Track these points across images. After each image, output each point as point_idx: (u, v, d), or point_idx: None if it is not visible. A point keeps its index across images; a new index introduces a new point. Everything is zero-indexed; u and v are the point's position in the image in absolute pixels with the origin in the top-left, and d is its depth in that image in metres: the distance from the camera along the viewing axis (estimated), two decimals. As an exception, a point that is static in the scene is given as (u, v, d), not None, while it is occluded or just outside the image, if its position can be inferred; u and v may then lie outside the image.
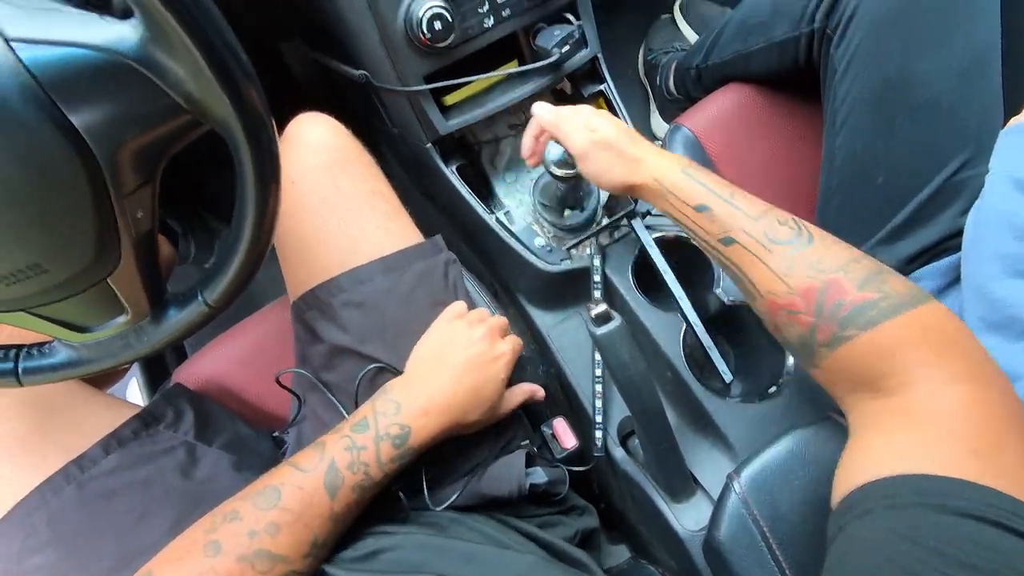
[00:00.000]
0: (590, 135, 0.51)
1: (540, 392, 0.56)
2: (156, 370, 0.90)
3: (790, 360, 0.52)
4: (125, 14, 0.32)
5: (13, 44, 0.29)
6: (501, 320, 0.55)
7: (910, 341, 0.35)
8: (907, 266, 0.57)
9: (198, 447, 0.58)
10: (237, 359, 0.71)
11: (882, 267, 0.39)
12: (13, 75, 0.29)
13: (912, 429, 0.34)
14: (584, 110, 0.53)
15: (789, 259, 0.41)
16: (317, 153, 0.52)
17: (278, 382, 0.58)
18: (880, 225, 0.58)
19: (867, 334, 0.36)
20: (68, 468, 0.53)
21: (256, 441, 0.62)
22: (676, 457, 0.48)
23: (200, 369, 0.70)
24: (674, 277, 0.56)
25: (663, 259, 0.56)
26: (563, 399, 0.66)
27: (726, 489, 0.43)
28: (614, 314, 0.44)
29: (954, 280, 0.55)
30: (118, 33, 0.30)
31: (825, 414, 0.45)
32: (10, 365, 0.43)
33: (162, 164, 0.37)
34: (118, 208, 0.36)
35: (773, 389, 0.52)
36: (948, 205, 0.55)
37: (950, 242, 0.55)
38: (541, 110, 0.54)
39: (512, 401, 0.54)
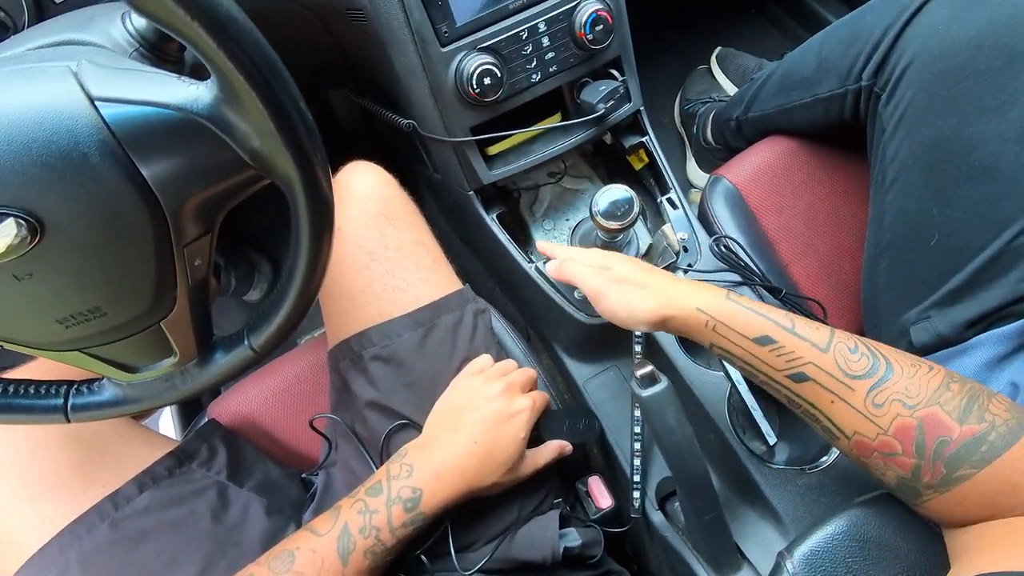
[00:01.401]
0: (603, 273, 0.47)
1: (568, 448, 0.54)
2: (189, 402, 0.91)
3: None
4: (199, 74, 0.34)
5: (97, 103, 0.31)
6: (523, 374, 0.53)
7: None
8: (966, 331, 0.54)
9: (230, 488, 0.58)
10: (270, 397, 0.72)
11: (973, 387, 0.37)
12: (95, 131, 0.31)
13: None
14: (593, 253, 0.50)
15: (874, 395, 0.37)
16: (366, 203, 0.54)
17: (311, 426, 0.58)
18: (934, 287, 0.56)
19: (983, 472, 0.34)
20: (103, 505, 0.53)
21: (286, 483, 0.62)
22: (722, 528, 0.46)
23: (233, 405, 0.71)
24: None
25: None
26: (599, 455, 0.64)
27: (777, 569, 0.41)
28: (660, 376, 0.43)
29: (1018, 347, 0.52)
30: (193, 94, 0.32)
31: (882, 491, 0.43)
32: (60, 401, 0.44)
33: (221, 215, 0.38)
34: (178, 257, 0.37)
35: (824, 459, 0.49)
36: (1010, 269, 0.52)
37: (1013, 308, 0.53)
38: (549, 265, 0.52)
39: (537, 461, 0.52)
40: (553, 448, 0.53)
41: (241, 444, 0.65)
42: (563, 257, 0.51)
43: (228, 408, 0.70)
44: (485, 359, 0.54)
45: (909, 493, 0.38)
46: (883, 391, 0.37)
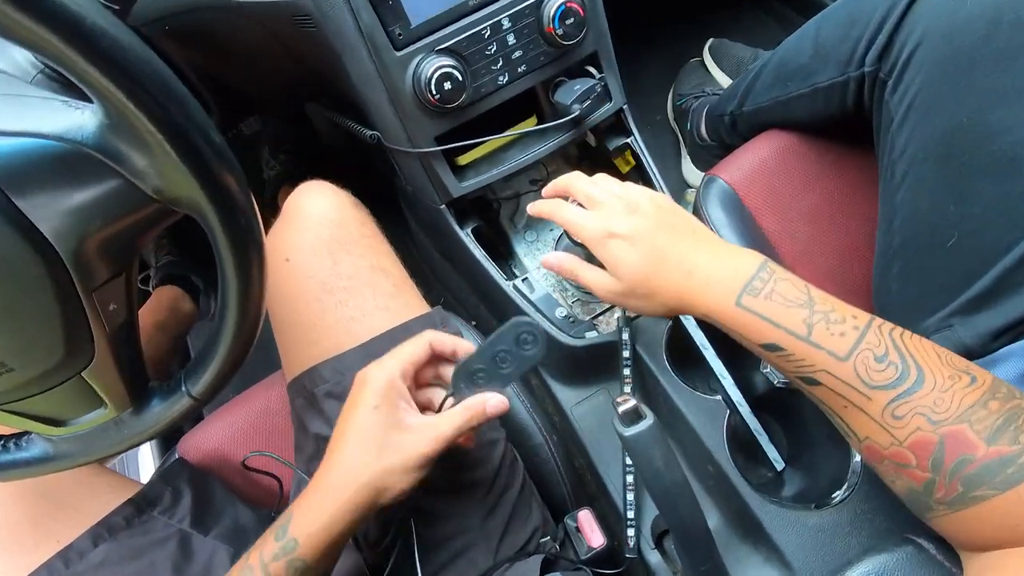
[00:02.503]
0: (614, 287, 0.43)
1: (491, 407, 0.39)
2: (167, 436, 0.87)
3: (856, 458, 0.44)
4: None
5: (-36, 137, 0.27)
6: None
7: None
8: (992, 342, 0.48)
9: (193, 536, 0.54)
10: (243, 430, 0.68)
11: (1018, 405, 0.32)
12: (-37, 171, 0.27)
13: None
14: (599, 239, 0.43)
15: (894, 407, 0.34)
16: (317, 228, 0.49)
17: (244, 465, 0.54)
18: (955, 293, 0.50)
19: (1006, 495, 0.30)
20: (53, 563, 0.49)
21: (256, 527, 0.58)
22: (722, 578, 0.41)
23: (204, 439, 0.67)
24: (715, 355, 0.49)
25: (703, 335, 0.50)
26: (591, 482, 0.59)
27: (786, 629, 0.35)
28: (645, 411, 0.38)
29: (1053, 358, 0.47)
30: (76, 120, 0.27)
31: (904, 535, 0.37)
32: (-17, 461, 0.40)
33: (136, 255, 0.34)
34: (87, 303, 0.33)
35: (836, 493, 0.44)
36: (1040, 272, 0.47)
37: (1045, 314, 0.47)
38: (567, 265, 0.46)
39: (439, 433, 0.38)
40: (460, 413, 0.39)
41: (210, 485, 0.61)
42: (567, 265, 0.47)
43: (198, 444, 0.66)
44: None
45: (919, 506, 0.35)
46: (906, 403, 0.34)
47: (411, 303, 0.51)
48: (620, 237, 0.42)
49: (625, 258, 0.41)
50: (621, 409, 0.38)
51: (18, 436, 0.42)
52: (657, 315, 0.43)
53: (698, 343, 0.50)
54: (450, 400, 0.41)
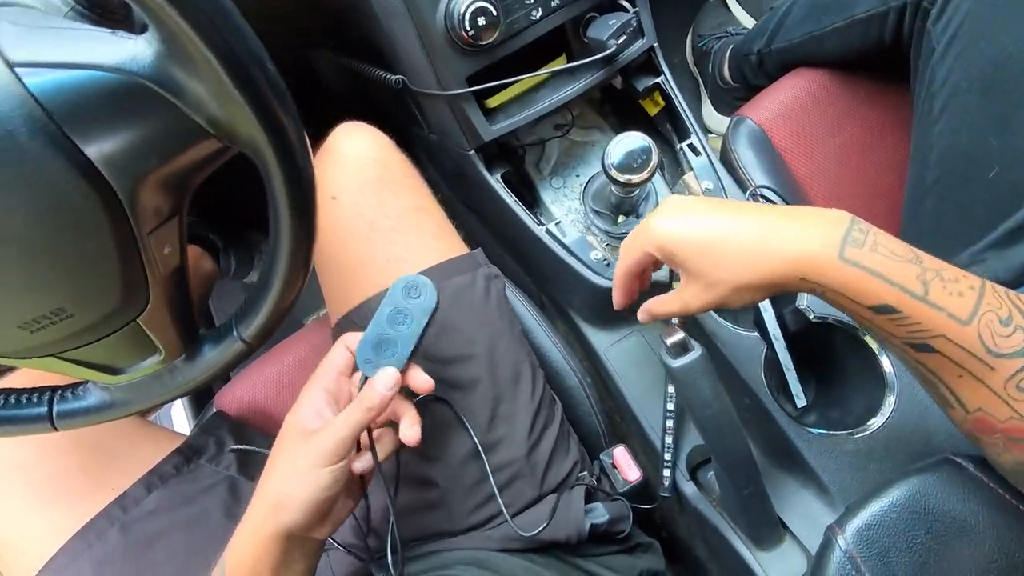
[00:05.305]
0: (685, 288, 0.37)
1: (387, 380, 0.38)
2: (200, 391, 0.89)
3: (890, 389, 0.45)
4: (141, 28, 0.29)
5: (18, 70, 0.26)
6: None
7: None
8: (1027, 274, 0.49)
9: (240, 482, 0.56)
10: (277, 382, 0.69)
11: None
12: (19, 105, 0.26)
13: None
14: (640, 240, 0.39)
15: (1020, 378, 0.30)
16: (361, 168, 0.48)
17: None
18: (991, 226, 0.50)
19: None
20: (111, 509, 0.51)
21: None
22: (763, 502, 0.43)
23: (240, 393, 0.68)
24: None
25: None
26: (621, 422, 0.60)
27: (828, 545, 0.37)
28: (693, 343, 0.38)
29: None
30: (131, 51, 0.27)
31: (943, 455, 0.39)
32: (44, 410, 0.41)
33: (188, 195, 0.34)
34: (143, 246, 0.32)
35: (873, 420, 0.45)
36: (1081, 201, 0.47)
37: (1083, 245, 0.47)
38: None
39: (336, 441, 0.37)
40: (349, 421, 0.37)
41: (250, 435, 0.62)
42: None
43: (235, 397, 0.68)
44: (338, 360, 0.42)
45: None
46: None
47: (454, 244, 0.51)
48: (658, 217, 0.37)
49: (673, 232, 0.36)
50: (670, 341, 0.39)
51: (75, 386, 0.42)
52: (753, 297, 0.36)
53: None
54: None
